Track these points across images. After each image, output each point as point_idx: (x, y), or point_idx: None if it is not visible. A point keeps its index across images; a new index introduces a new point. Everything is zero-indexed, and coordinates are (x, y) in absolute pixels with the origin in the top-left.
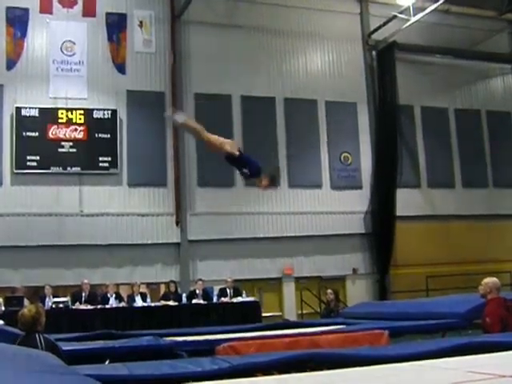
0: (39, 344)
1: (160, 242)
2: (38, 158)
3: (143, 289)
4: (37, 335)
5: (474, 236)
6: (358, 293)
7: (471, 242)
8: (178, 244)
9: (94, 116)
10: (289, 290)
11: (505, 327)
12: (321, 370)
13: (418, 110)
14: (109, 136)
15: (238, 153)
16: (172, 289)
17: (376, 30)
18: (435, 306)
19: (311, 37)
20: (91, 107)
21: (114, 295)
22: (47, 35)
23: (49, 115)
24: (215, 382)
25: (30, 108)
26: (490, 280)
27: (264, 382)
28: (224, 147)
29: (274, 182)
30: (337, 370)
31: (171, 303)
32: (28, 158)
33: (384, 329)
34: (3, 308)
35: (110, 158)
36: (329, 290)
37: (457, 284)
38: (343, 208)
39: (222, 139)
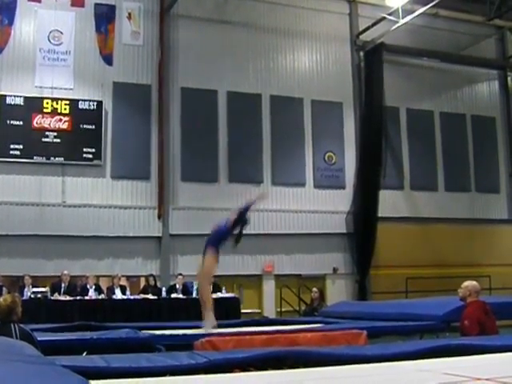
0: (14, 334)
1: (141, 235)
2: (21, 146)
3: (123, 281)
4: (12, 325)
5: (454, 239)
6: (337, 292)
7: (452, 245)
8: (159, 238)
9: (80, 107)
10: (268, 287)
11: (482, 331)
12: (298, 367)
13: (403, 112)
14: (93, 127)
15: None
16: (151, 283)
17: (364, 30)
18: (414, 307)
19: (300, 35)
20: (77, 98)
21: (93, 287)
22: (35, 24)
23: (34, 104)
24: (192, 376)
25: (14, 96)
26: (469, 283)
27: (241, 378)
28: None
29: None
30: (314, 369)
31: (150, 297)
32: (11, 146)
33: (362, 329)
34: None
35: (93, 150)
36: (314, 288)
37: (436, 286)
38: (326, 207)
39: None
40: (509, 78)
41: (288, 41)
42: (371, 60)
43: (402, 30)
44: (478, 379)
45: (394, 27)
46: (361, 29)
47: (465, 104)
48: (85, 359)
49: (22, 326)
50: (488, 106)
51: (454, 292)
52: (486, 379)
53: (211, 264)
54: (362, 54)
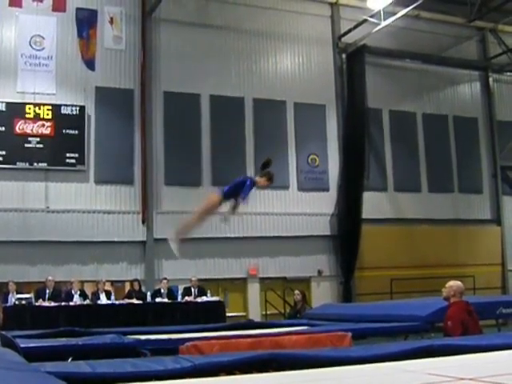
0: None
1: (126, 240)
2: (4, 152)
3: (108, 286)
4: None
5: (438, 240)
6: (322, 294)
7: (436, 246)
8: (143, 242)
9: (62, 112)
10: (253, 290)
11: (465, 331)
12: (283, 370)
13: (386, 113)
14: (76, 132)
15: (220, 197)
16: (136, 287)
17: (346, 33)
18: (398, 308)
19: (282, 38)
20: (59, 103)
21: (78, 292)
22: (16, 29)
23: (16, 110)
24: (178, 381)
25: None
26: (454, 283)
27: (226, 382)
28: (210, 205)
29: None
30: (299, 371)
31: (135, 302)
32: None
33: (347, 331)
34: None
35: (77, 155)
36: (296, 291)
37: (421, 287)
38: (310, 210)
39: (204, 203)
40: (490, 79)
41: (270, 44)
42: (353, 62)
43: (384, 32)
44: (462, 379)
45: (375, 29)
46: (343, 31)
47: (447, 105)
48: (70, 365)
49: (3, 333)
50: (470, 107)
51: (438, 293)
52: (470, 379)
53: (211, 199)
54: (344, 56)
